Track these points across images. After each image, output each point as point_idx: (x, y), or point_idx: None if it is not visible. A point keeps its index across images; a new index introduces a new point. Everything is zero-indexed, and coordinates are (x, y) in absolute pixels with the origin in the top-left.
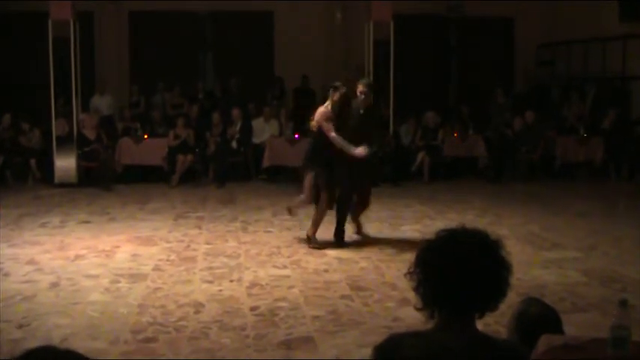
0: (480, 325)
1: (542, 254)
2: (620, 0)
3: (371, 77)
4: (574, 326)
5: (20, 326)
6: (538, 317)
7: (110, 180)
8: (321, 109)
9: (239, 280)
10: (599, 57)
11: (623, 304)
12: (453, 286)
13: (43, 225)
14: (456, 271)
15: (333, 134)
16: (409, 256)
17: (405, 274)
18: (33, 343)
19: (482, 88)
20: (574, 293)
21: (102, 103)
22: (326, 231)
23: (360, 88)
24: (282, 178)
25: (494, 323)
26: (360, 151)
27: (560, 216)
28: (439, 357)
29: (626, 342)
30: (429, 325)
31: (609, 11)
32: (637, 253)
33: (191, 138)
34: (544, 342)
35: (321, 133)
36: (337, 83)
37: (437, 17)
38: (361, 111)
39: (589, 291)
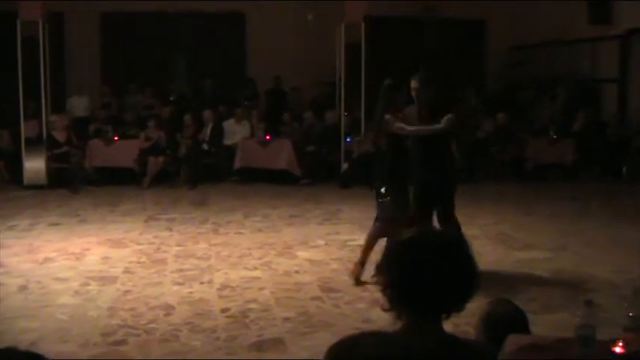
0: (449, 325)
1: (513, 254)
2: (589, 3)
3: (342, 79)
4: (544, 326)
5: None
6: (505, 318)
7: (78, 182)
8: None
9: (210, 282)
10: (570, 59)
11: (589, 304)
12: (418, 287)
13: (11, 228)
14: (422, 272)
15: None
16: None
17: (372, 277)
18: None
19: (454, 90)
20: (544, 293)
21: (79, 104)
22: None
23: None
24: (254, 179)
25: (464, 324)
26: None
27: (531, 216)
28: (395, 357)
29: (591, 341)
30: (398, 326)
31: (579, 14)
32: (607, 253)
33: (163, 140)
34: (511, 342)
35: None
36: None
37: (409, 19)
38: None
39: (559, 291)
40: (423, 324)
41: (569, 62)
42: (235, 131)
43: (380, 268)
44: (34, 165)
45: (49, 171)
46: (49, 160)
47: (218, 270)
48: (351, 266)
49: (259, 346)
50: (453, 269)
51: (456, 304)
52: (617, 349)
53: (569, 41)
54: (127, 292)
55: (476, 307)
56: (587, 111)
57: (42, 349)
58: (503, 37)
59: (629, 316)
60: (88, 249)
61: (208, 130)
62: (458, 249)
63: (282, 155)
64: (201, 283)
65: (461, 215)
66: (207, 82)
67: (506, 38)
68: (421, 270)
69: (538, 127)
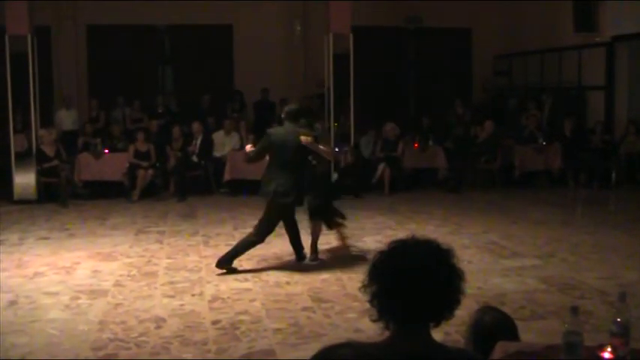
0: (439, 334)
1: (502, 262)
2: (575, 11)
3: (331, 89)
4: (533, 333)
5: None
6: (493, 325)
7: (67, 196)
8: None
9: (200, 294)
10: (555, 67)
11: (575, 311)
12: (404, 296)
13: (0, 242)
14: (407, 281)
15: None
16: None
17: (360, 288)
18: None
19: (441, 99)
20: (533, 301)
21: (67, 117)
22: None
23: None
24: (244, 191)
25: (455, 332)
26: None
27: (519, 224)
28: None
29: (578, 347)
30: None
31: (564, 22)
32: (595, 259)
33: (152, 152)
34: (499, 349)
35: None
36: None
37: (395, 29)
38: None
39: (548, 298)
40: (409, 333)
41: (555, 70)
42: (224, 143)
43: (366, 279)
44: (24, 179)
45: (39, 185)
46: (39, 174)
47: (208, 282)
48: (342, 276)
49: (250, 357)
50: (436, 278)
51: (443, 313)
52: (605, 355)
53: (555, 49)
54: (117, 305)
55: (466, 315)
56: (573, 118)
57: None
58: (489, 46)
59: (616, 321)
60: (77, 263)
61: (198, 142)
62: (441, 258)
63: None
64: (192, 295)
65: (450, 224)
66: (205, 97)
67: (492, 47)
68: (404, 280)
69: (525, 135)
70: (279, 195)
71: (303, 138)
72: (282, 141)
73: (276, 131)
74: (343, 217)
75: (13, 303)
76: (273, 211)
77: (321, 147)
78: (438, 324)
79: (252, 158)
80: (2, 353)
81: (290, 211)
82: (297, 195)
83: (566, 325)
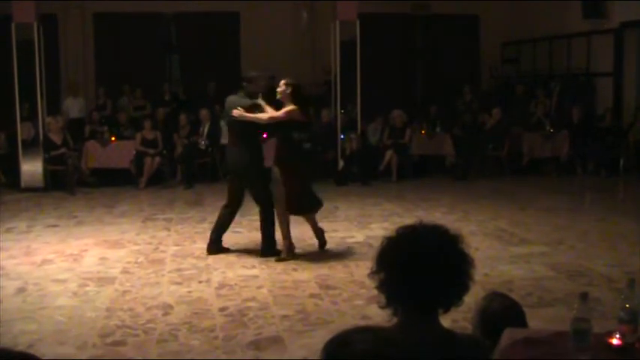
0: (447, 321)
1: (510, 249)
2: None
3: (338, 76)
4: (541, 320)
5: None
6: (501, 312)
7: (74, 184)
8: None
9: (208, 281)
10: (564, 53)
11: (584, 297)
12: (413, 282)
13: (8, 230)
14: (416, 267)
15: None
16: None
17: (369, 274)
18: None
19: (449, 86)
20: (541, 288)
21: (74, 105)
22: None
23: None
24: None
25: (462, 319)
26: None
27: (527, 211)
28: (389, 352)
29: (587, 334)
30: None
31: (573, 8)
32: (603, 247)
33: (159, 140)
34: (507, 336)
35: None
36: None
37: (402, 16)
38: None
39: (556, 285)
40: (417, 320)
41: (563, 57)
42: None
43: (374, 265)
44: (31, 167)
45: (46, 173)
46: (46, 162)
47: (216, 269)
48: (349, 263)
49: (257, 344)
50: (445, 264)
51: (452, 299)
52: (614, 342)
53: (563, 36)
54: (125, 292)
55: (474, 302)
56: (581, 105)
57: (40, 350)
58: (497, 33)
59: (625, 308)
60: (85, 250)
61: (205, 130)
62: (450, 243)
63: None
64: (199, 282)
65: (458, 211)
66: (211, 84)
67: (500, 34)
68: (413, 266)
69: (533, 122)
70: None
71: (234, 111)
72: (227, 114)
73: (227, 100)
74: (319, 203)
75: (21, 290)
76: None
77: (251, 115)
78: (446, 310)
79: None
80: (11, 339)
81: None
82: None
83: (574, 312)
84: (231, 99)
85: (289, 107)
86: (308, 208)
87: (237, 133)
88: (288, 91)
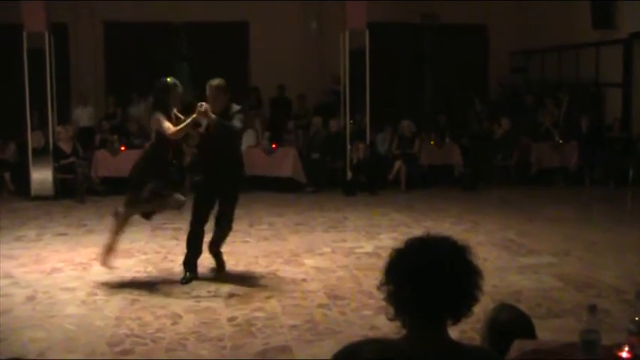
0: (456, 331)
1: (518, 260)
2: (592, 7)
3: (347, 86)
4: (549, 331)
5: None
6: (510, 323)
7: (84, 192)
8: None
9: (216, 290)
10: (573, 64)
11: (592, 309)
12: (421, 293)
13: (18, 238)
14: (425, 279)
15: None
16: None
17: (377, 286)
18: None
19: (457, 96)
20: (549, 299)
21: (84, 114)
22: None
23: None
24: (258, 187)
25: (471, 330)
26: None
27: (535, 222)
28: None
29: (596, 346)
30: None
31: (582, 18)
32: (611, 257)
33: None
34: (516, 347)
35: None
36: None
37: (411, 25)
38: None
39: (564, 296)
40: (426, 331)
41: (572, 67)
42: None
43: (383, 277)
44: (41, 176)
45: (56, 182)
46: (56, 170)
47: (224, 279)
48: (357, 273)
49: (266, 354)
50: (454, 275)
51: (460, 310)
52: (623, 354)
53: (572, 45)
54: (133, 301)
55: (482, 312)
56: (590, 115)
57: (49, 358)
58: (506, 43)
59: (634, 320)
60: (94, 259)
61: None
62: (458, 255)
63: (287, 163)
64: (208, 291)
65: (466, 222)
66: None
67: (509, 43)
68: (421, 278)
69: (542, 132)
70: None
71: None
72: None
73: None
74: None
75: (31, 298)
76: None
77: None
78: (456, 322)
79: None
80: (20, 347)
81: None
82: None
83: (583, 324)
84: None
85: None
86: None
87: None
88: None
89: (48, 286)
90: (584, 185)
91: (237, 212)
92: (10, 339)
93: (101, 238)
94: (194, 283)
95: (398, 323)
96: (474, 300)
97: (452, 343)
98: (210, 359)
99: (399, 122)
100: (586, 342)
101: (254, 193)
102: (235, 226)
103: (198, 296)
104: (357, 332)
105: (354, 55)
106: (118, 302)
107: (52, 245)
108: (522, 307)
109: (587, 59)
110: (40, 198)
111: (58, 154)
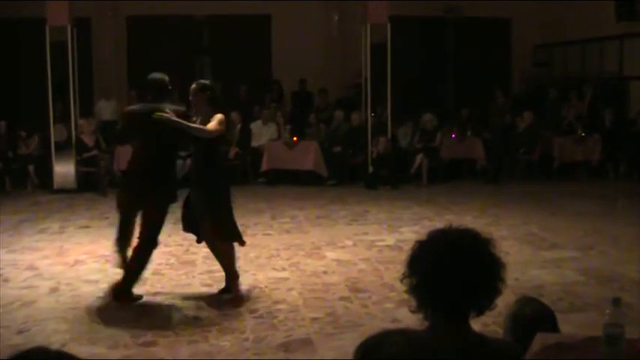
0: (478, 324)
1: (541, 254)
2: (616, 0)
3: (369, 79)
4: (572, 326)
5: (20, 332)
6: (533, 316)
7: (106, 185)
8: None
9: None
10: (597, 57)
11: (617, 302)
12: (445, 285)
13: (42, 231)
14: (448, 271)
15: None
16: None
17: (400, 279)
18: None
19: (480, 90)
20: (572, 293)
21: (106, 108)
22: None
23: None
24: (280, 181)
25: (493, 323)
26: None
27: (558, 216)
28: (421, 355)
29: (619, 340)
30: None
31: (606, 11)
32: (635, 252)
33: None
34: (539, 341)
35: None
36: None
37: (434, 19)
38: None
39: (587, 290)
40: (449, 323)
41: (596, 60)
42: (262, 133)
43: (406, 269)
44: (64, 169)
45: (78, 175)
46: (78, 164)
47: (246, 271)
48: (379, 267)
49: (287, 346)
50: (477, 267)
51: (483, 303)
52: None
53: (596, 38)
54: (156, 293)
55: (503, 306)
56: (614, 108)
57: (73, 350)
58: (529, 36)
59: None
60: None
61: (236, 132)
62: (481, 247)
63: (309, 156)
64: None
65: (488, 216)
66: (243, 87)
67: (532, 36)
68: (445, 270)
69: (565, 126)
70: None
71: None
72: None
73: None
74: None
75: (54, 290)
76: None
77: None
78: (479, 314)
79: None
80: (44, 339)
81: None
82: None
83: (606, 317)
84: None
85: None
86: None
87: None
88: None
89: (71, 278)
90: (607, 179)
91: (259, 205)
92: (33, 330)
93: None
94: (216, 275)
95: (420, 316)
96: (497, 292)
97: (475, 336)
98: (232, 351)
99: (420, 116)
100: (609, 335)
101: (275, 187)
102: (257, 219)
103: (220, 288)
104: (378, 325)
105: (376, 49)
106: (140, 294)
107: (75, 238)
108: (545, 300)
109: (611, 52)
110: (62, 191)
111: (80, 148)
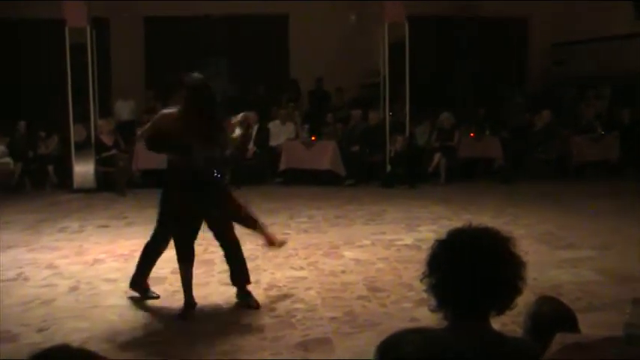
0: (497, 324)
1: (558, 254)
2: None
3: (386, 78)
4: (590, 326)
5: (39, 330)
6: (552, 316)
7: (125, 185)
8: None
9: (256, 282)
10: (615, 55)
11: (636, 302)
12: (464, 284)
13: (61, 230)
14: (468, 270)
15: None
16: (425, 257)
17: (420, 278)
18: None
19: (498, 88)
20: (589, 292)
21: (125, 108)
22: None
23: None
24: (298, 181)
25: (512, 323)
26: None
27: (575, 215)
28: (439, 354)
29: (639, 340)
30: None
31: (624, 9)
32: None
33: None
34: (558, 341)
35: None
36: None
37: (451, 18)
38: None
39: (604, 290)
40: (468, 322)
41: (614, 58)
42: (280, 132)
43: (425, 268)
44: (83, 169)
45: (97, 174)
46: (97, 163)
47: (264, 270)
48: (397, 266)
49: (305, 345)
50: (497, 266)
51: (503, 302)
52: None
53: (614, 37)
54: (174, 292)
55: (522, 305)
56: (632, 107)
57: (92, 348)
58: (547, 34)
59: None
60: (135, 250)
61: (254, 132)
62: (501, 246)
63: (326, 156)
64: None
65: (506, 215)
66: (260, 87)
67: (550, 35)
68: (464, 269)
69: (583, 125)
70: None
71: None
72: None
73: None
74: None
75: (74, 289)
76: None
77: None
78: (499, 313)
79: None
80: (63, 337)
81: None
82: None
83: (626, 317)
84: None
85: None
86: None
87: None
88: None
89: (90, 277)
90: (625, 178)
91: (276, 205)
92: (52, 328)
93: (141, 230)
94: None
95: (439, 315)
96: (517, 291)
97: (494, 335)
98: (250, 350)
99: (438, 115)
100: (630, 335)
101: (293, 187)
102: (275, 218)
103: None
104: (396, 325)
105: (394, 48)
106: (158, 293)
107: (94, 237)
108: (562, 300)
109: (630, 51)
110: (82, 190)
111: (99, 147)
